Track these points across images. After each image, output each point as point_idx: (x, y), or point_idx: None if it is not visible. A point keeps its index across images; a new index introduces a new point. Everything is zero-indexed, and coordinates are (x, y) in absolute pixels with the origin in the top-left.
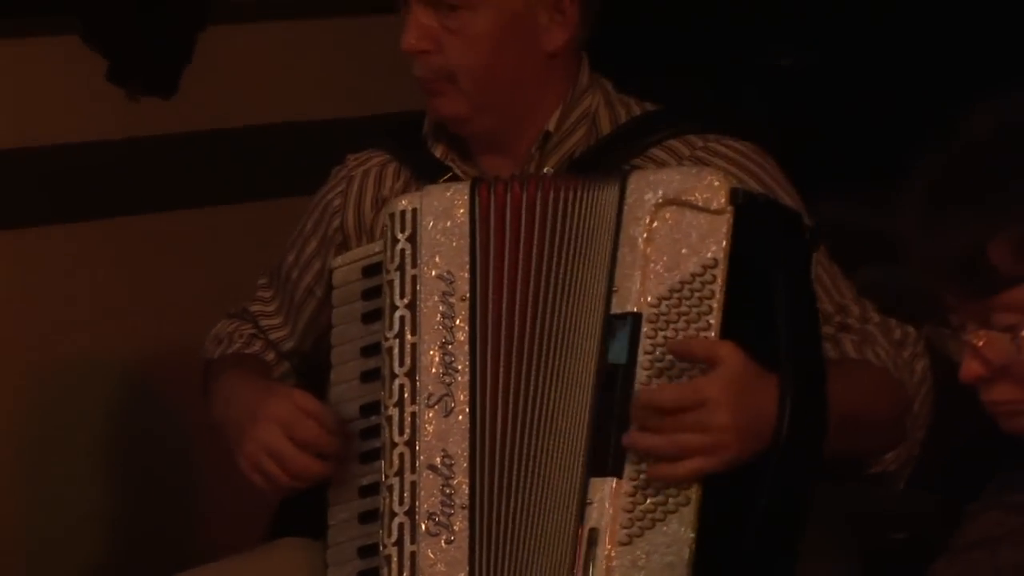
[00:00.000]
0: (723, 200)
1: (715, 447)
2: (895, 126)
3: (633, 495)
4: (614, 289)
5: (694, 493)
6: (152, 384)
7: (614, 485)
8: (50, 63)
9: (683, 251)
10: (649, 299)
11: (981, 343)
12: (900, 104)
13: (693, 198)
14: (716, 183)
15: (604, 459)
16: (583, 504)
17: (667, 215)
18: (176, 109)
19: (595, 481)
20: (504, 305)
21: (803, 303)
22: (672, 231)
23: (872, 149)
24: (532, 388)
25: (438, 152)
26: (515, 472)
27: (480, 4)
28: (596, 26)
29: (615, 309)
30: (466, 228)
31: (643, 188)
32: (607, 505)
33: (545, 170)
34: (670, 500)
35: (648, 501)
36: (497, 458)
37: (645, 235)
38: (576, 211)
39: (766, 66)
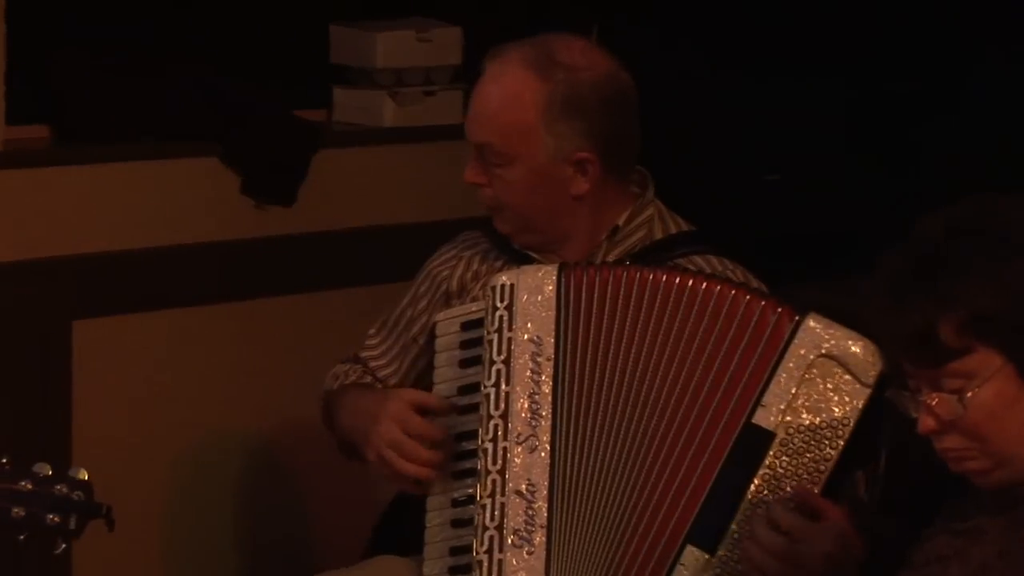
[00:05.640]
0: (873, 377)
1: None
2: (864, 229)
3: (719, 573)
4: (762, 404)
5: None
6: (277, 439)
7: (706, 558)
8: (198, 178)
9: (826, 402)
10: (787, 421)
11: (934, 403)
12: (870, 209)
13: (854, 363)
14: (873, 359)
15: (706, 535)
16: (675, 563)
17: (827, 365)
18: (295, 215)
19: (691, 549)
20: (578, 366)
21: (885, 481)
22: (825, 381)
23: (845, 248)
24: (597, 431)
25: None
26: (583, 499)
27: (512, 163)
28: (632, 163)
29: (756, 420)
30: (553, 301)
31: (819, 331)
32: (693, 573)
33: (609, 259)
34: None
35: None
36: (570, 487)
37: (803, 371)
38: (742, 312)
39: (757, 181)
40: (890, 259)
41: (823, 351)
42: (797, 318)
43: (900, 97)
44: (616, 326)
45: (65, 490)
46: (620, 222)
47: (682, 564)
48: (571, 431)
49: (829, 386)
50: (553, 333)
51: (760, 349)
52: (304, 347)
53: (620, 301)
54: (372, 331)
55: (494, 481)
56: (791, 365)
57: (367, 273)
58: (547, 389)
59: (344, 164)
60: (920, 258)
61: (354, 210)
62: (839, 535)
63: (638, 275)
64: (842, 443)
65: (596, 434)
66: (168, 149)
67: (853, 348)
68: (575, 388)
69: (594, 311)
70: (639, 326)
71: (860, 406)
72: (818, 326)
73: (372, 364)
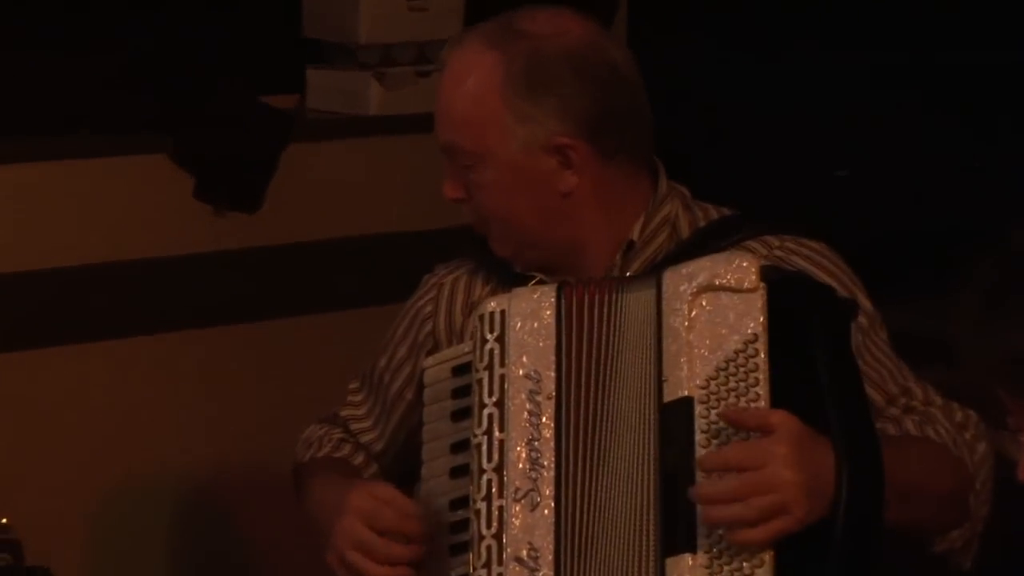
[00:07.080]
0: (754, 279)
1: (787, 505)
2: (947, 236)
3: (709, 567)
4: (664, 379)
5: (767, 556)
6: (231, 487)
7: (690, 561)
8: (142, 180)
9: (723, 331)
10: (697, 382)
11: None
12: (958, 210)
13: (726, 281)
14: (745, 264)
15: (676, 538)
16: None
17: (703, 301)
18: (260, 223)
19: (671, 560)
20: (580, 404)
21: (846, 368)
22: (711, 315)
23: (922, 256)
24: (602, 480)
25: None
26: (593, 561)
27: (483, 162)
28: (640, 150)
29: (667, 398)
30: (552, 329)
31: (678, 281)
32: None
33: (627, 275)
34: (745, 565)
35: (726, 570)
36: (578, 550)
37: (686, 324)
38: (616, 312)
39: (823, 177)
40: (982, 270)
41: (694, 289)
42: (653, 282)
43: (996, 70)
44: (616, 351)
45: None
46: (634, 235)
47: None
48: (578, 482)
49: (719, 319)
50: (553, 366)
51: (637, 330)
52: (272, 386)
53: (587, 325)
54: (354, 385)
55: (489, 548)
56: (673, 325)
57: (347, 294)
58: (548, 434)
59: (320, 161)
60: (1017, 269)
61: (332, 217)
62: (791, 437)
63: (597, 292)
64: (762, 360)
65: (607, 483)
66: (106, 145)
67: (718, 267)
68: (581, 430)
69: (596, 337)
70: (627, 349)
71: (761, 312)
72: (675, 274)
73: (354, 427)
